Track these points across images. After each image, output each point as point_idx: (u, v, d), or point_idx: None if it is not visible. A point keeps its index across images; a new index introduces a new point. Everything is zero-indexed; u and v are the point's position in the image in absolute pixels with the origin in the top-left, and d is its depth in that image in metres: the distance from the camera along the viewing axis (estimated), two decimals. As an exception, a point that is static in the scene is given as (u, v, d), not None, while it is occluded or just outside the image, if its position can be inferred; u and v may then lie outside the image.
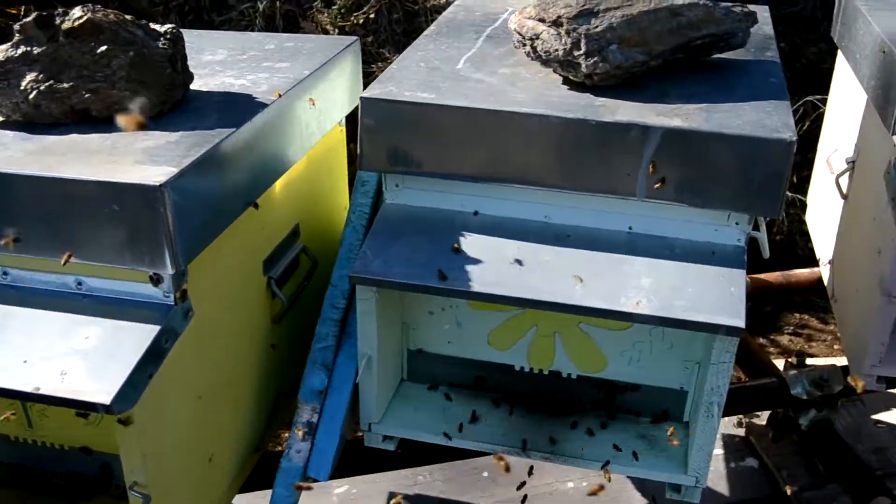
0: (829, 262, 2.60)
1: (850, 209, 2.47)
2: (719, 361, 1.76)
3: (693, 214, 1.81)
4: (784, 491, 2.56)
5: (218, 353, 1.78)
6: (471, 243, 1.85)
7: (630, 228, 1.86)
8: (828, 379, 2.25)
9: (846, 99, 2.55)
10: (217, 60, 2.08)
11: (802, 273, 2.78)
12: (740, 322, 1.68)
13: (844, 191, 2.48)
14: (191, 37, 2.04)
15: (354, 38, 2.26)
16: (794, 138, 1.68)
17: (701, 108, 1.79)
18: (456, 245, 1.83)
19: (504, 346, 2.06)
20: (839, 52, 2.67)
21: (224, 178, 1.66)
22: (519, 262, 1.80)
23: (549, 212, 1.88)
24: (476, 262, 1.81)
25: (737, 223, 1.81)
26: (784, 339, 3.26)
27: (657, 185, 1.75)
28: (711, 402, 1.80)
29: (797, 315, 3.42)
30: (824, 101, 3.02)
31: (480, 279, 1.77)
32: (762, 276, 2.70)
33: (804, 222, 3.63)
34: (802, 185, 3.60)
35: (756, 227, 1.83)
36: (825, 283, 2.64)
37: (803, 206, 3.49)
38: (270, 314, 2.00)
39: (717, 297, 1.73)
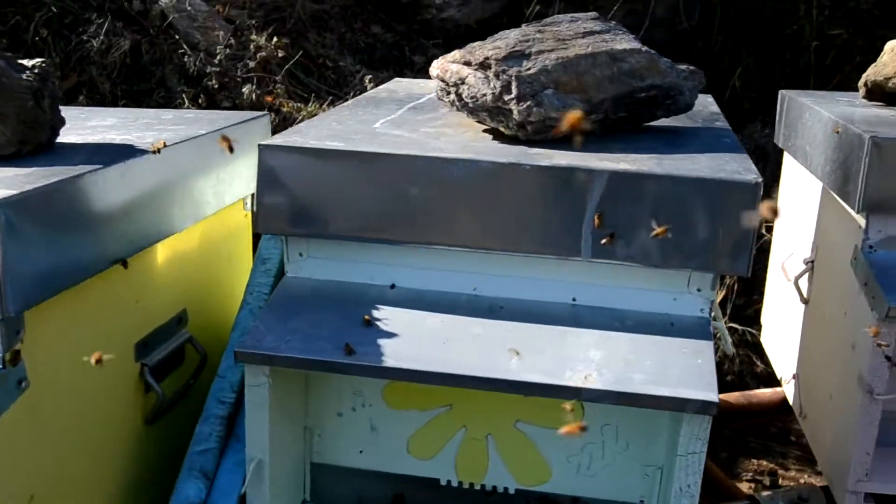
0: (794, 377, 2.32)
1: (812, 313, 2.23)
2: (688, 452, 1.42)
3: (647, 280, 1.52)
4: None
5: (64, 445, 1.40)
6: (386, 316, 1.53)
7: (574, 300, 1.56)
8: (807, 499, 1.92)
9: (797, 200, 2.37)
10: (104, 125, 1.80)
11: (765, 393, 2.49)
12: (713, 395, 1.37)
13: (805, 294, 2.25)
14: (84, 112, 1.79)
15: (264, 112, 2.01)
16: (760, 180, 1.44)
17: (651, 157, 1.55)
18: (367, 318, 1.52)
19: (427, 453, 1.70)
20: (784, 156, 2.51)
21: (81, 217, 1.34)
22: (443, 336, 1.49)
23: (477, 282, 1.58)
24: (391, 335, 1.49)
25: (698, 289, 1.53)
26: (751, 465, 2.91)
27: (604, 242, 1.47)
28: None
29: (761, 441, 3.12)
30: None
31: (395, 354, 1.45)
32: (721, 395, 2.39)
33: (756, 363, 3.39)
34: (751, 321, 3.39)
35: (714, 316, 1.55)
36: (790, 401, 2.35)
37: (756, 346, 3.25)
38: (143, 411, 1.62)
39: (682, 369, 1.42)
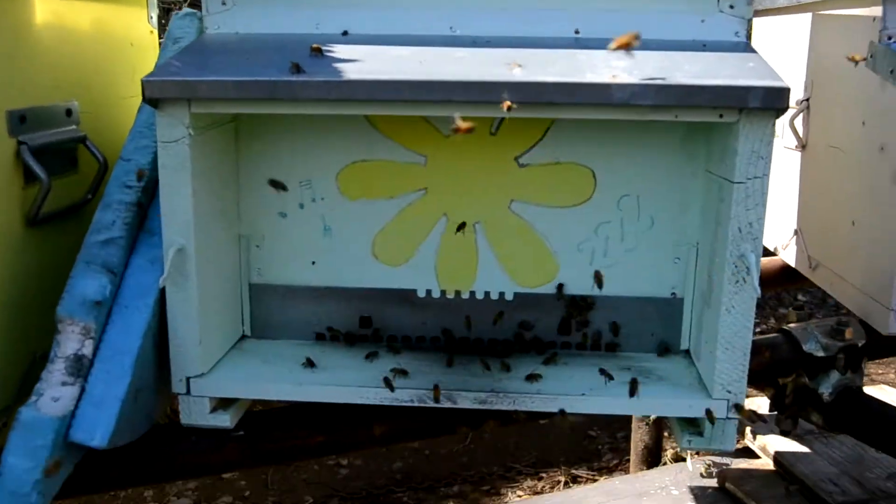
0: (796, 233, 2.02)
1: (812, 155, 1.94)
2: (748, 178, 1.08)
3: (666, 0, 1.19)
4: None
5: None
6: (341, 49, 1.16)
7: (577, 32, 1.22)
8: (846, 325, 1.60)
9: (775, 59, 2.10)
10: None
11: (762, 260, 2.17)
12: (780, 82, 1.04)
13: (802, 137, 1.96)
14: None
15: None
16: None
17: None
18: (317, 45, 1.14)
19: (399, 257, 1.31)
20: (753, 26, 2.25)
21: None
22: (419, 58, 1.12)
23: (455, 20, 1.23)
24: (351, 60, 1.11)
25: (731, 6, 1.20)
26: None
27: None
28: (742, 252, 1.10)
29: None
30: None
31: (359, 70, 1.07)
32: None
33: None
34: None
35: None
36: (792, 262, 2.04)
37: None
38: (21, 208, 1.20)
39: (734, 67, 1.09)
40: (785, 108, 1.05)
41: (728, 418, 1.18)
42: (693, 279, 1.28)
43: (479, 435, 3.08)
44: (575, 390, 1.19)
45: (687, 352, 1.32)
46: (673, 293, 1.30)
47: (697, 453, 2.91)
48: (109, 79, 1.46)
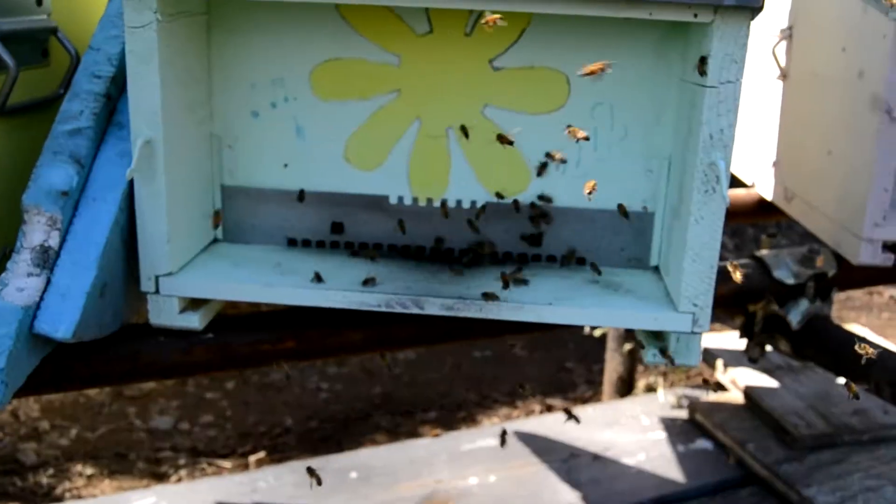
0: (774, 165, 1.99)
1: (793, 86, 1.90)
2: (721, 82, 1.05)
3: None
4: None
5: None
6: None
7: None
8: (817, 253, 1.58)
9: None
10: None
11: (737, 194, 2.15)
12: (757, -15, 1.00)
13: (783, 66, 1.92)
14: None
15: None
16: None
17: None
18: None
19: (371, 160, 1.28)
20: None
21: None
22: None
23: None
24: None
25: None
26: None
27: None
28: (713, 160, 1.07)
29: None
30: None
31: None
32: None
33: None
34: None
35: None
36: (769, 196, 2.02)
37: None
38: (-16, 95, 1.16)
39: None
40: (760, 8, 1.01)
41: (693, 332, 1.16)
42: (664, 193, 1.25)
43: (458, 365, 3.09)
44: (542, 300, 1.17)
45: (657, 268, 1.30)
46: (644, 207, 1.27)
47: (670, 385, 2.93)
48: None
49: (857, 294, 3.85)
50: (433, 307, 1.15)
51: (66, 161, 1.09)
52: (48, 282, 1.05)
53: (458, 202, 1.28)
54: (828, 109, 1.68)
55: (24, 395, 1.11)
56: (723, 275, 1.51)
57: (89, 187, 1.12)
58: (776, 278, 1.54)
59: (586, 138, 1.10)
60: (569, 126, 1.11)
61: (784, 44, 1.88)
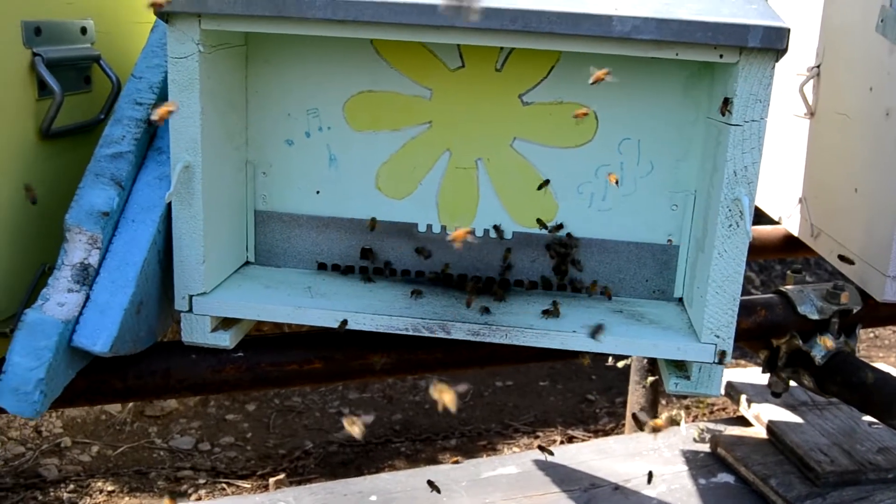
0: (800, 201, 2.02)
1: (820, 123, 1.94)
2: (745, 121, 1.09)
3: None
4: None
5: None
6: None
7: (588, -25, 1.23)
8: (841, 291, 1.60)
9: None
10: None
11: (764, 229, 2.18)
12: (781, 22, 1.04)
13: (811, 104, 1.96)
14: None
15: None
16: None
17: None
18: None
19: (402, 189, 1.33)
20: None
21: None
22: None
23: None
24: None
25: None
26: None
27: None
28: (737, 195, 1.11)
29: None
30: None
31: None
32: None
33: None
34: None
35: None
36: (795, 231, 2.05)
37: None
38: (35, 119, 1.22)
39: (737, 7, 1.09)
40: (784, 50, 1.05)
41: (715, 363, 1.19)
42: (689, 226, 1.29)
43: (480, 393, 3.12)
44: (567, 328, 1.20)
45: (681, 300, 1.34)
46: (669, 240, 1.31)
47: (693, 418, 2.94)
48: (125, 1, 1.48)
49: (886, 332, 3.85)
50: (459, 332, 1.19)
51: (107, 183, 1.15)
52: (87, 298, 1.10)
53: (486, 231, 1.33)
54: (855, 147, 1.72)
55: (59, 406, 1.16)
56: (746, 308, 1.54)
57: (129, 209, 1.17)
58: (801, 313, 1.57)
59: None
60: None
61: (812, 82, 1.92)
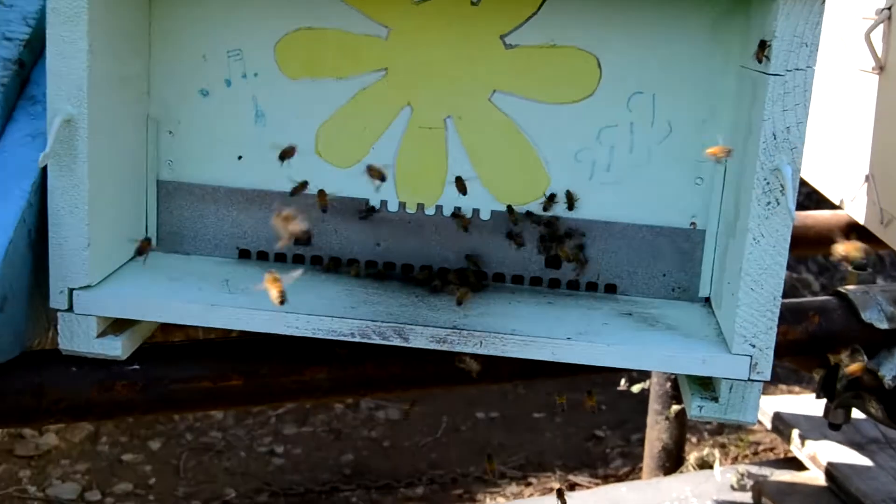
0: (867, 179, 2.07)
1: (891, 80, 1.98)
2: (788, 69, 1.12)
3: None
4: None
5: None
6: None
7: None
8: (915, 292, 1.64)
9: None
10: None
11: (822, 215, 2.22)
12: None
13: (880, 55, 2.00)
14: None
15: None
16: None
17: None
18: None
19: (348, 156, 1.35)
20: None
21: None
22: None
23: None
24: None
25: None
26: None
27: None
28: (776, 164, 1.14)
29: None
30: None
31: None
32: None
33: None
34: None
35: None
36: (860, 219, 2.09)
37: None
38: None
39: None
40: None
41: (750, 380, 1.22)
42: (718, 205, 1.33)
43: (456, 427, 3.15)
44: (559, 334, 1.23)
45: (707, 300, 1.37)
46: (692, 223, 1.34)
47: (730, 460, 2.99)
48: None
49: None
50: (420, 339, 1.22)
51: (-35, 142, 1.17)
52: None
53: (457, 210, 1.35)
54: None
55: None
56: (794, 313, 1.57)
57: (-6, 173, 1.19)
58: (865, 321, 1.60)
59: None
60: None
61: (882, 28, 1.95)
